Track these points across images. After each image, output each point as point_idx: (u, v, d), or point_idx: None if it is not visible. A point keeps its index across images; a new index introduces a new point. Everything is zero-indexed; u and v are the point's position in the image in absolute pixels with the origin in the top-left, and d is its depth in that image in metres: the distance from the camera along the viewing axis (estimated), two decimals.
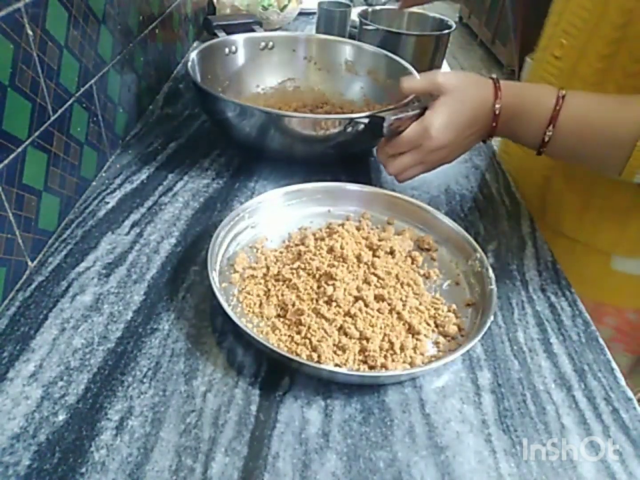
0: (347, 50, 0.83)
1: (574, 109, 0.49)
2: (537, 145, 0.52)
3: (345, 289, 0.46)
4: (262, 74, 0.83)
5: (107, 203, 0.59)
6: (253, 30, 0.84)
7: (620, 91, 0.55)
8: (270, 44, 0.81)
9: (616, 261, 0.64)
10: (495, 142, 0.65)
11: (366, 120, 0.59)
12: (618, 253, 0.64)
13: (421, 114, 0.53)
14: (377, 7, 1.08)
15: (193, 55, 0.70)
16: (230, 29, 0.82)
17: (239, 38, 0.79)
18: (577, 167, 0.63)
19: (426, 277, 0.52)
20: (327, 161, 0.69)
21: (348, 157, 0.70)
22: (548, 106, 0.49)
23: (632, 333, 0.68)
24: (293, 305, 0.45)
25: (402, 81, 0.56)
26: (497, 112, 0.51)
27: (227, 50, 0.78)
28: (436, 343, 0.45)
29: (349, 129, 0.60)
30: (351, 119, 0.59)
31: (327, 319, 0.44)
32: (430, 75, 0.55)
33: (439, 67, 1.03)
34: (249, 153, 0.70)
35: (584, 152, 0.51)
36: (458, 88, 0.53)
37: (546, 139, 0.50)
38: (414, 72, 0.72)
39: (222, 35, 0.80)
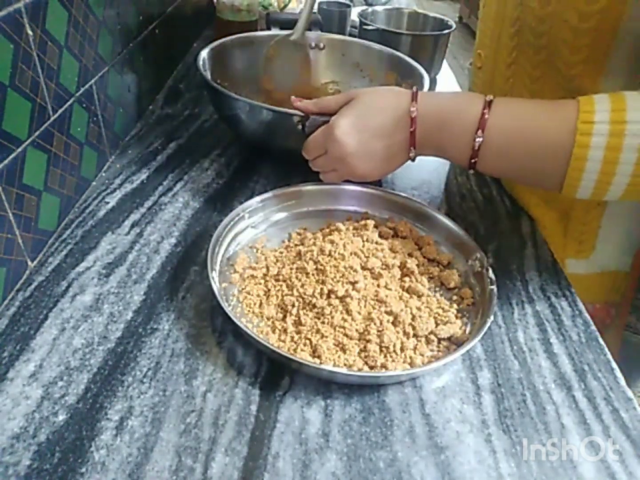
0: (391, 59, 0.79)
1: (502, 114, 0.46)
2: (468, 157, 0.47)
3: (345, 289, 0.46)
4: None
5: (107, 203, 0.59)
6: (309, 29, 0.82)
7: (532, 98, 0.54)
8: (321, 44, 0.81)
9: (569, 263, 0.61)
10: None
11: (298, 119, 0.57)
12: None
13: None
14: (377, 7, 1.08)
15: (203, 54, 0.69)
16: (286, 25, 0.81)
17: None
18: None
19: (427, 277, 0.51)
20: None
21: None
22: (475, 112, 0.46)
23: None
24: (293, 305, 0.45)
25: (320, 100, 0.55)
26: (413, 114, 0.48)
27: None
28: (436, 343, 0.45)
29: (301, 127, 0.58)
30: (299, 116, 0.57)
31: (327, 319, 0.44)
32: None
33: (439, 67, 1.03)
34: (249, 152, 0.70)
35: (518, 163, 0.47)
36: (367, 92, 0.51)
37: (476, 145, 0.46)
38: (426, 76, 0.70)
39: (275, 30, 0.80)
